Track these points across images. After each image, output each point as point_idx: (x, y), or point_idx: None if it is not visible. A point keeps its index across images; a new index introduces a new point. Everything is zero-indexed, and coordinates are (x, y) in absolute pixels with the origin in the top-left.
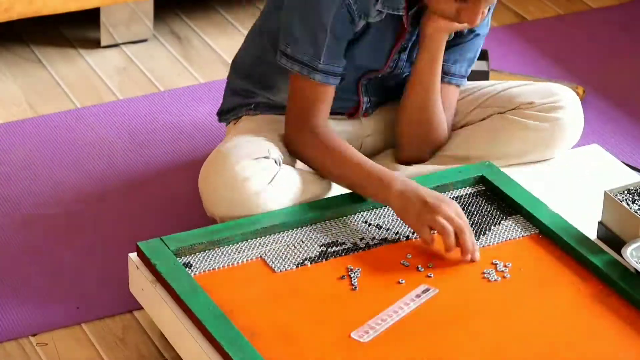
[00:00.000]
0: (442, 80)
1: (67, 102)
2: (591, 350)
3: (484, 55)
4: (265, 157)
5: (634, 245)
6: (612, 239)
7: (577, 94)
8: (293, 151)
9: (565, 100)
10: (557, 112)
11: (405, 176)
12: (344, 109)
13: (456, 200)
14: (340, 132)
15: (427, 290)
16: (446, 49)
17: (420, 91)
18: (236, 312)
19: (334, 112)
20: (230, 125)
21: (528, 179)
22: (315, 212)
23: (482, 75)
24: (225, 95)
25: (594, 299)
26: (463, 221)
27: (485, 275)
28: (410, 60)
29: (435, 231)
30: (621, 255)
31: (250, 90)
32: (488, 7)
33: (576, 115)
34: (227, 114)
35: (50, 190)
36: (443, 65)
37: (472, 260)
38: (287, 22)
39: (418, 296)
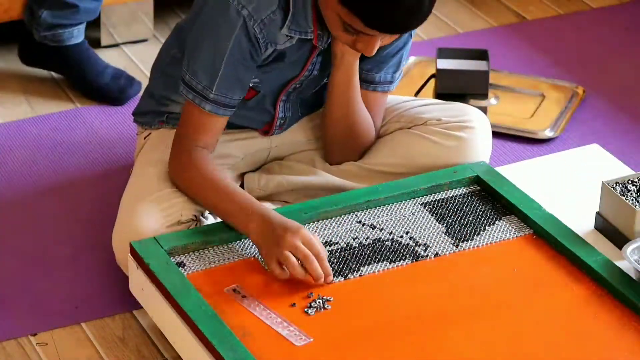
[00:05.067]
0: (367, 89)
1: (67, 102)
2: (584, 351)
3: (484, 55)
4: (178, 223)
5: (634, 245)
6: (609, 230)
7: (577, 94)
8: (171, 173)
9: (475, 122)
10: (464, 131)
11: (268, 208)
12: (258, 124)
13: (451, 200)
14: (248, 144)
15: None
16: (368, 59)
17: (340, 104)
18: (228, 312)
19: (245, 127)
20: (141, 133)
21: (527, 179)
22: (309, 212)
23: (482, 75)
24: (143, 95)
25: (587, 300)
26: (311, 248)
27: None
28: (325, 64)
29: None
30: (617, 246)
31: (166, 97)
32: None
33: (484, 136)
34: (141, 117)
35: (50, 190)
36: (366, 74)
37: (327, 283)
38: (190, 47)
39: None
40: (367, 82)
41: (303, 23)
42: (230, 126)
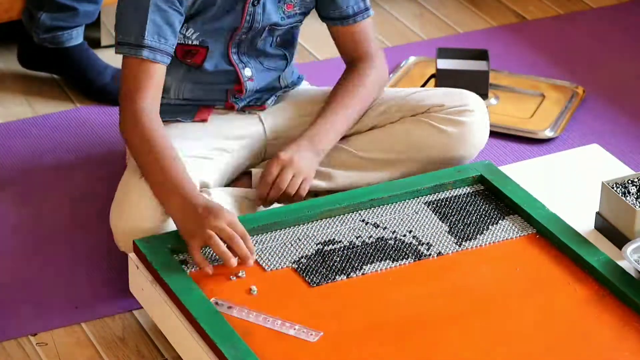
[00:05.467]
0: (348, 24)
1: (67, 102)
2: (586, 350)
3: (484, 55)
4: None
5: (634, 245)
6: (609, 230)
7: (577, 94)
8: (120, 132)
9: (473, 104)
10: (465, 115)
11: (194, 187)
12: (227, 84)
13: (454, 199)
14: (242, 136)
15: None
16: (328, 3)
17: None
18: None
19: (227, 104)
20: None
21: (527, 179)
22: (312, 210)
23: (482, 75)
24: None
25: (589, 299)
26: (235, 228)
27: None
28: (267, 11)
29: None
30: (617, 246)
31: None
32: None
33: (483, 119)
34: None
35: (50, 190)
36: (337, 12)
37: (248, 265)
38: (117, 9)
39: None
40: (343, 19)
41: None
42: (207, 103)
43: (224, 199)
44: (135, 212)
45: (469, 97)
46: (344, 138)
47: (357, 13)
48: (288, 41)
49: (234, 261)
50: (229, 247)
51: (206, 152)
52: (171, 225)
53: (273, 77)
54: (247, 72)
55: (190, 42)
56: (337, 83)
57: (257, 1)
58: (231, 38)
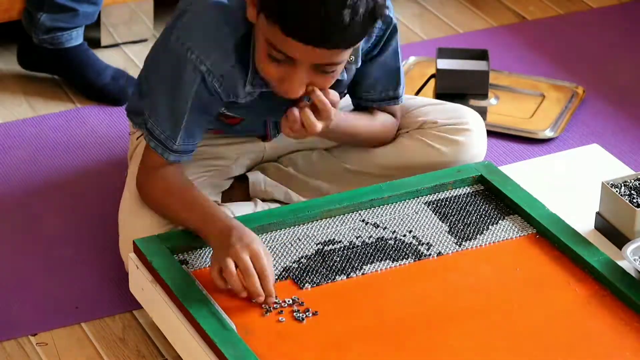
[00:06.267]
0: (378, 108)
1: (67, 102)
2: (586, 350)
3: (484, 55)
4: None
5: (634, 245)
6: (609, 230)
7: (577, 94)
8: (138, 188)
9: (471, 123)
10: (461, 134)
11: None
12: (252, 137)
13: (454, 199)
14: (241, 152)
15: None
16: (355, 87)
17: (349, 141)
18: (231, 310)
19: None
20: (134, 133)
21: (527, 179)
22: (312, 210)
23: (482, 75)
24: (134, 92)
25: (590, 300)
26: (256, 262)
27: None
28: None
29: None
30: (617, 246)
31: None
32: (350, 57)
33: (480, 138)
34: (133, 116)
35: (50, 190)
36: (367, 95)
37: (267, 303)
38: (150, 92)
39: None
40: (373, 102)
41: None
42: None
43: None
44: (142, 222)
45: (466, 115)
46: (334, 148)
47: (383, 99)
48: None
49: (243, 295)
50: None
51: (200, 173)
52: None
53: None
54: (275, 132)
55: (228, 113)
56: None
57: (277, 131)
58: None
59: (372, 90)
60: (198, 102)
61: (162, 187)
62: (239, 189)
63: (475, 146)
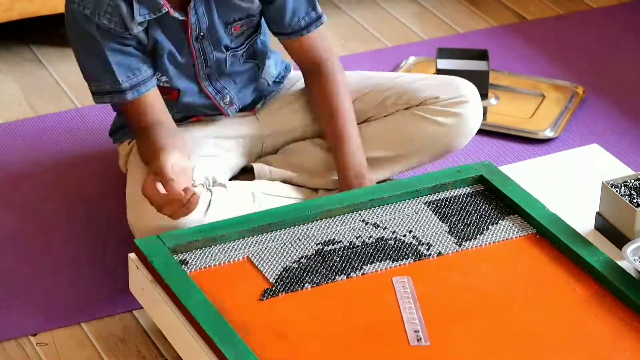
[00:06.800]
0: (301, 36)
1: (67, 102)
2: (586, 350)
3: (484, 55)
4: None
5: (634, 245)
6: (609, 230)
7: (577, 94)
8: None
9: (468, 95)
10: (460, 106)
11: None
12: (209, 109)
13: (454, 199)
14: (240, 134)
15: (402, 280)
16: (274, 20)
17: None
18: (231, 310)
19: (208, 115)
20: (124, 147)
21: (527, 179)
22: (312, 210)
23: (482, 75)
24: (115, 116)
25: (589, 300)
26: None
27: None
28: (216, 44)
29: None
30: (618, 246)
31: None
32: None
33: (477, 107)
34: (118, 132)
35: (50, 190)
36: (289, 28)
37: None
38: (78, 60)
39: (404, 287)
40: (294, 33)
41: (152, 2)
42: (192, 115)
43: (227, 197)
44: (153, 211)
45: (464, 87)
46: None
47: (310, 24)
48: (255, 52)
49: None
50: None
51: (211, 151)
52: (188, 222)
53: (252, 88)
54: (227, 99)
55: (161, 85)
56: (315, 96)
57: (199, 37)
58: (196, 74)
59: (296, 17)
60: (107, 41)
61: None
62: (246, 178)
63: (473, 116)
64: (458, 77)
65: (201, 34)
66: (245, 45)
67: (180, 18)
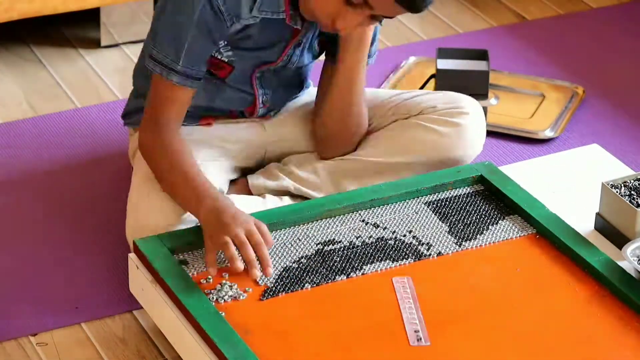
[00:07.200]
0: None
1: (67, 102)
2: (586, 350)
3: (484, 55)
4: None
5: (634, 245)
6: (609, 230)
7: (577, 94)
8: (141, 152)
9: (469, 107)
10: (460, 117)
11: (227, 196)
12: (241, 103)
13: (454, 199)
14: (244, 139)
15: (402, 280)
16: (335, 41)
17: (345, 90)
18: (230, 310)
19: (233, 114)
20: (133, 134)
21: (527, 179)
22: (312, 210)
23: (482, 75)
24: (129, 96)
25: (590, 300)
26: (250, 238)
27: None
28: (304, 54)
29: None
30: (618, 246)
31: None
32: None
33: (479, 122)
34: (130, 118)
35: (50, 190)
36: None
37: (266, 275)
38: (154, 23)
39: (404, 287)
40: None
41: (274, 3)
42: (217, 111)
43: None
44: (152, 215)
45: (464, 100)
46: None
47: (371, 55)
48: (306, 73)
49: (239, 264)
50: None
51: (213, 155)
52: (188, 223)
53: (285, 100)
54: (264, 97)
55: (220, 57)
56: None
57: (299, 44)
58: (260, 67)
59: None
60: (202, 22)
61: (158, 154)
62: (241, 184)
63: (474, 129)
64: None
65: (302, 41)
66: (313, 60)
67: (294, 26)
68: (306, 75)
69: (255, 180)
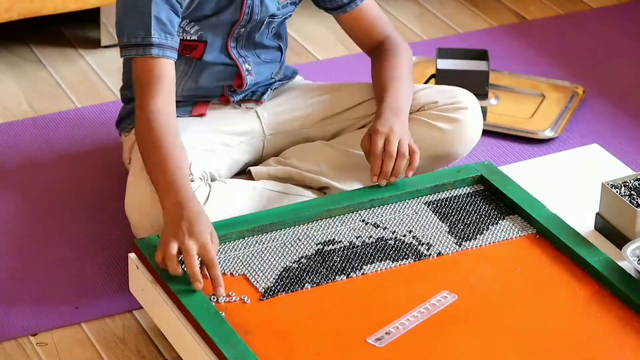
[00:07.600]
0: (347, 12)
1: (67, 102)
2: (587, 350)
3: (484, 55)
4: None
5: (634, 245)
6: (609, 230)
7: (577, 94)
8: (135, 130)
9: (467, 102)
10: (459, 112)
11: (194, 195)
12: (227, 78)
13: (454, 199)
14: (244, 132)
15: (446, 296)
16: None
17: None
18: (230, 310)
19: (224, 97)
20: (129, 138)
21: (527, 179)
22: (312, 210)
23: (482, 75)
24: (121, 108)
25: (590, 300)
26: (206, 255)
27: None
28: (264, 2)
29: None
30: (618, 246)
31: None
32: None
33: (477, 116)
34: (124, 122)
35: (49, 189)
36: (332, 2)
37: (217, 295)
38: (118, 17)
39: (437, 302)
40: (339, 8)
41: None
42: (208, 95)
43: (226, 190)
44: (149, 203)
45: (463, 95)
46: (334, 136)
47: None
48: (281, 33)
49: (199, 285)
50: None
51: (212, 146)
52: None
53: (269, 70)
54: (247, 65)
55: (189, 38)
56: (374, 71)
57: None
58: (230, 32)
59: None
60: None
61: (147, 128)
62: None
63: (472, 123)
64: (458, 87)
65: None
66: (282, 17)
67: None
68: (282, 35)
69: (258, 169)
